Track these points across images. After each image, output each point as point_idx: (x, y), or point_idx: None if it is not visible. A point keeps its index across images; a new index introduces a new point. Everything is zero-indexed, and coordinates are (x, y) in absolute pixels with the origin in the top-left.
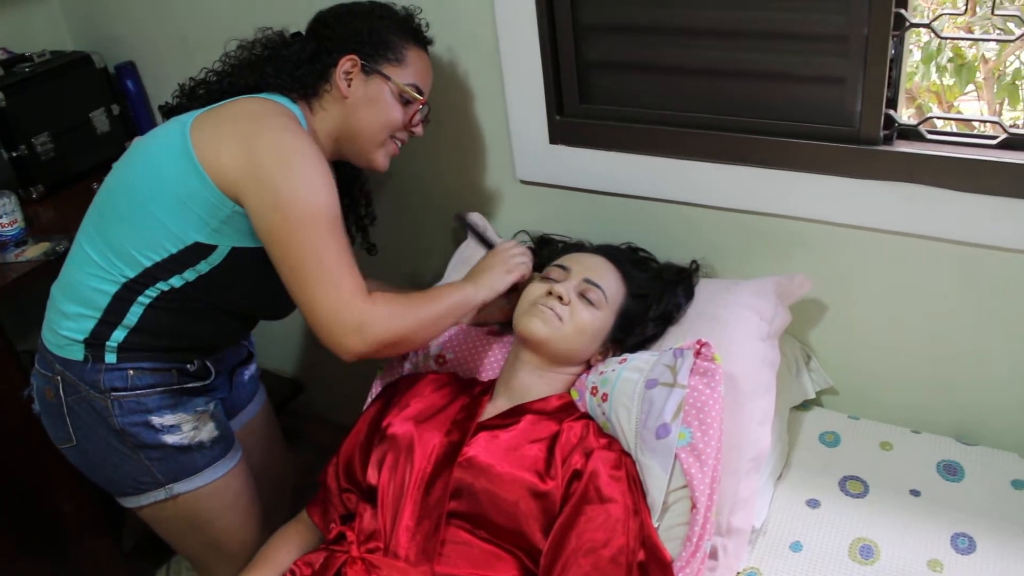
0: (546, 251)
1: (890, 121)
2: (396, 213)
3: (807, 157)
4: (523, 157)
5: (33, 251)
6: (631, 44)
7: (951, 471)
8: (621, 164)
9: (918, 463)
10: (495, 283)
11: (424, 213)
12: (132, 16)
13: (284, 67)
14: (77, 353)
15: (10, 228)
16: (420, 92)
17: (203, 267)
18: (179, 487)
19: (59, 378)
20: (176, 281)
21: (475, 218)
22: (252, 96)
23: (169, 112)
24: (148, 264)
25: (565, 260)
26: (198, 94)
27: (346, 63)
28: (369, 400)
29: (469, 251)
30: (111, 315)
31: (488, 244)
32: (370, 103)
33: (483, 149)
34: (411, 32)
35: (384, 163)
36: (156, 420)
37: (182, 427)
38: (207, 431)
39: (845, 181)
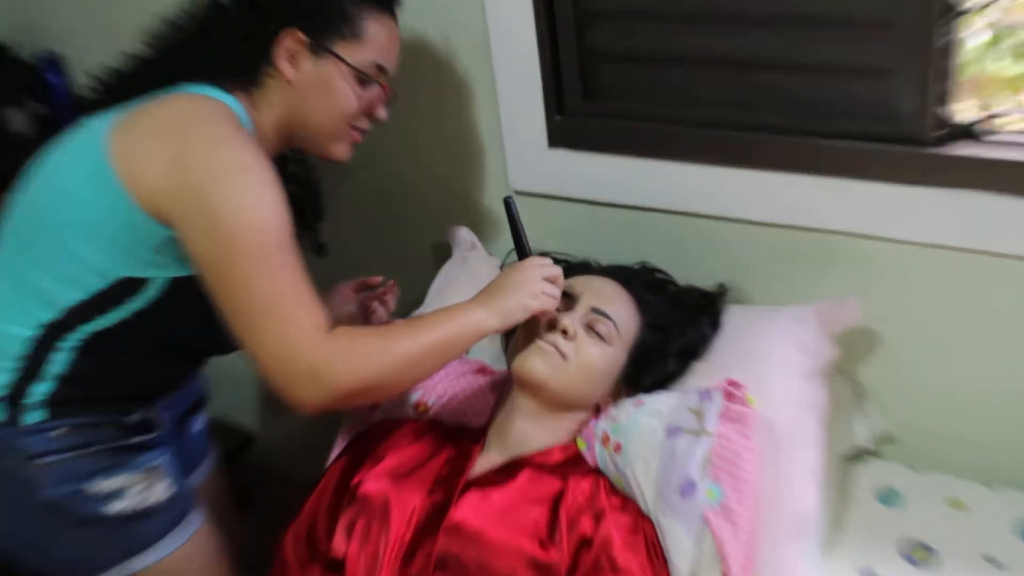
0: None
1: (944, 119)
2: (371, 231)
3: (848, 161)
4: (518, 164)
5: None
6: (643, 31)
7: None
8: (633, 170)
9: (994, 525)
10: (512, 310)
11: (402, 230)
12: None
13: (216, 51)
14: None
15: None
16: (383, 70)
17: (136, 304)
18: (136, 563)
19: None
20: (105, 321)
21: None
22: (181, 92)
23: (84, 109)
24: (70, 304)
25: (569, 285)
26: (118, 88)
27: (288, 40)
28: (334, 453)
29: (456, 271)
30: (31, 364)
31: (522, 249)
32: (321, 89)
33: (471, 155)
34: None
35: (344, 154)
36: (94, 487)
37: (127, 491)
38: (160, 489)
39: (896, 188)
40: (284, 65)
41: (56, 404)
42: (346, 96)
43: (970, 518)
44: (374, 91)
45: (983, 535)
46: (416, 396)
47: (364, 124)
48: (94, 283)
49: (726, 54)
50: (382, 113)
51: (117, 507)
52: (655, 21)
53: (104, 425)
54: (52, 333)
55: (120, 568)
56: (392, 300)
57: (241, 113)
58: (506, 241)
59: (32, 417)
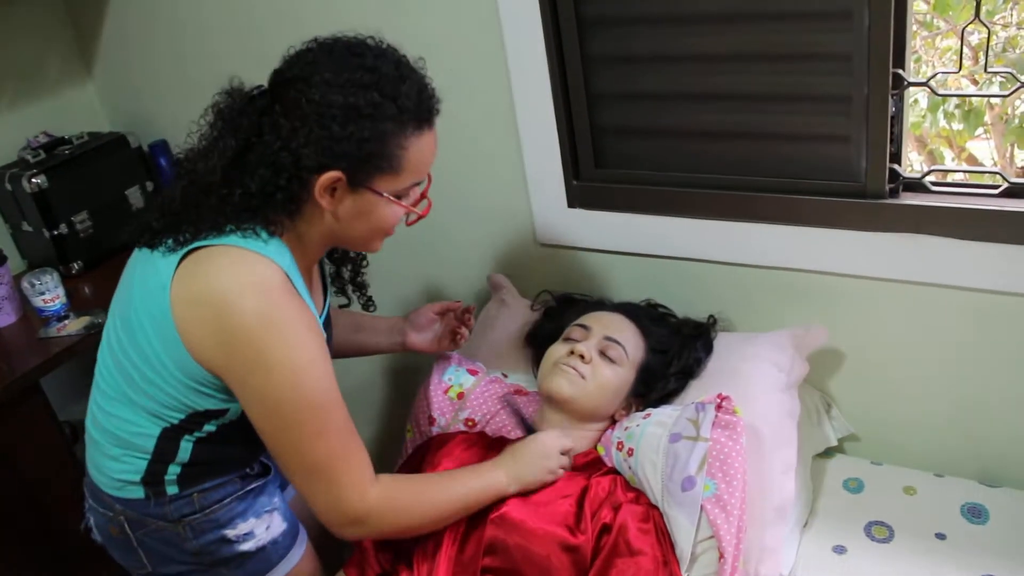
0: (569, 311)
1: (895, 175)
2: (419, 277)
3: (817, 212)
4: (543, 221)
5: (74, 325)
6: (643, 110)
7: (975, 513)
8: (637, 225)
9: (942, 506)
10: (533, 479)
11: (447, 277)
12: (163, 96)
13: (250, 203)
14: (136, 492)
15: (52, 304)
16: (420, 182)
17: (227, 420)
18: None
19: (122, 517)
20: (211, 427)
21: (514, 401)
22: (228, 246)
23: (147, 239)
24: (177, 420)
25: (585, 319)
26: (173, 224)
27: (328, 180)
28: (401, 461)
29: (495, 310)
30: (162, 455)
31: (530, 429)
32: (361, 218)
33: (505, 214)
34: (415, 120)
35: (378, 249)
36: (231, 533)
37: (255, 532)
38: (276, 526)
39: (855, 234)
40: (324, 200)
41: (186, 479)
42: (386, 219)
43: (921, 501)
44: (411, 200)
45: (933, 515)
46: (466, 413)
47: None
48: (187, 410)
49: (714, 127)
50: (420, 211)
51: (248, 546)
52: (653, 101)
53: (230, 481)
54: (173, 432)
55: None
56: (472, 320)
57: (283, 256)
58: (535, 286)
59: (171, 491)
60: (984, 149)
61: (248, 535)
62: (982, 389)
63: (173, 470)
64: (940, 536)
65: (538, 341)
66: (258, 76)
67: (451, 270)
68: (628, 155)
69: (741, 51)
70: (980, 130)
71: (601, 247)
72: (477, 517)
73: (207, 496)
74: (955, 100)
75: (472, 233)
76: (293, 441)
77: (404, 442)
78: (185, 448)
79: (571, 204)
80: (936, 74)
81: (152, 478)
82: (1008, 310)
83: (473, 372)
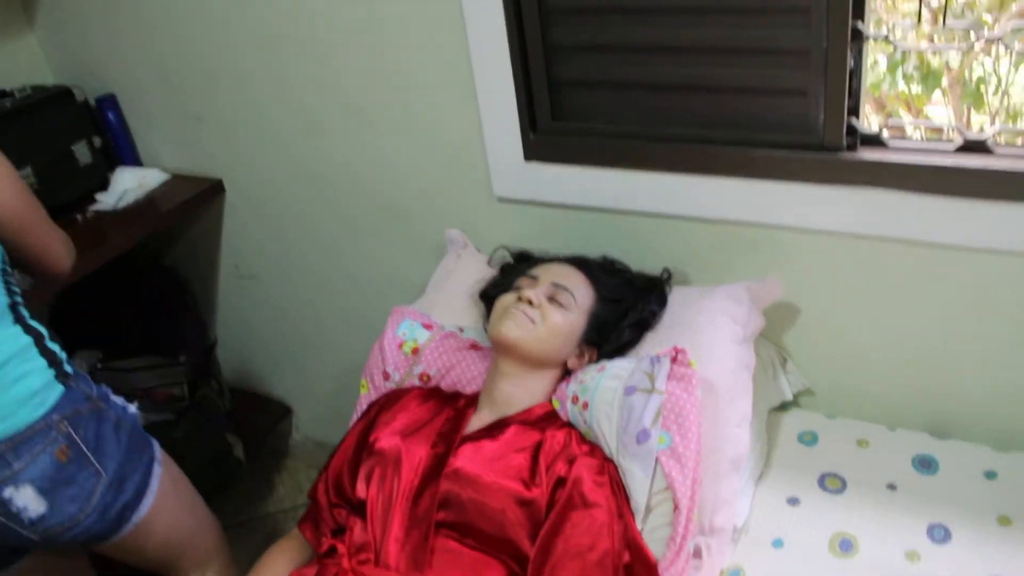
0: (524, 266)
1: (852, 129)
2: (374, 234)
3: (774, 166)
4: (499, 174)
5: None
6: (600, 62)
7: (926, 465)
8: (595, 179)
9: (894, 458)
10: None
11: (403, 234)
12: (112, 49)
13: None
14: (57, 390)
15: None
16: None
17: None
18: (156, 466)
19: (64, 424)
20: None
21: None
22: None
23: None
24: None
25: (533, 271)
26: None
27: None
28: (355, 417)
29: (451, 266)
30: (34, 332)
31: None
32: None
33: (461, 168)
34: None
35: None
36: (118, 400)
37: (126, 403)
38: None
39: (812, 188)
40: None
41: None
42: None
43: (873, 454)
44: None
45: (885, 467)
46: (420, 368)
47: None
48: None
49: (672, 80)
50: None
51: (132, 409)
52: (610, 53)
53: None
54: (13, 310)
55: (158, 462)
56: None
57: None
58: (492, 241)
59: (68, 368)
60: (941, 113)
61: (124, 403)
62: (934, 344)
63: (52, 345)
64: (891, 487)
65: (491, 296)
66: (215, 20)
67: (407, 225)
68: (586, 107)
69: (700, 3)
70: (938, 94)
71: (559, 201)
72: (431, 472)
73: (92, 370)
74: (914, 63)
75: (428, 188)
76: (34, 206)
77: (359, 397)
78: (35, 322)
79: (528, 157)
80: (895, 25)
81: (52, 360)
82: (961, 264)
83: (428, 327)
